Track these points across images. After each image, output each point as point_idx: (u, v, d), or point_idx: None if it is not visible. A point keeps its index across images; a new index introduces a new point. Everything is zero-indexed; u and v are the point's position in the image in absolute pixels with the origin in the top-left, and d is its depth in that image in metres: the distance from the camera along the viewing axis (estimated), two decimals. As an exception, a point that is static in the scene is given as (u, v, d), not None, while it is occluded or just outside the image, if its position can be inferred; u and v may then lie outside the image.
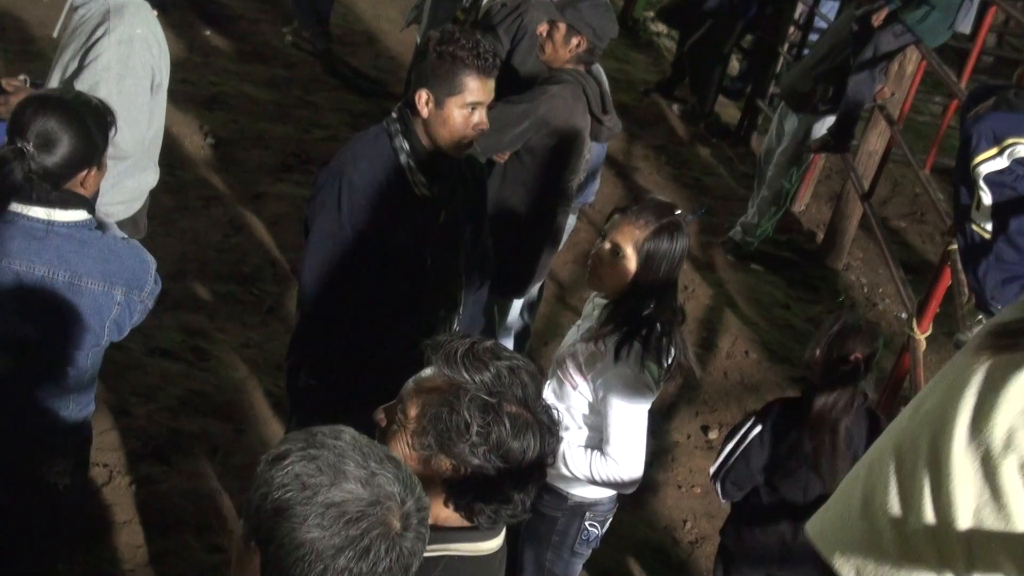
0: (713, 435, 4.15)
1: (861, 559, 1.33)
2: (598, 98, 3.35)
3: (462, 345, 1.53)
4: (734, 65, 7.37)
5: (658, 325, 2.33)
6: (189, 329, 3.91)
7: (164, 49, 3.04)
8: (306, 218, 2.45)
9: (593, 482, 2.38)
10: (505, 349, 1.59)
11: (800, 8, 6.58)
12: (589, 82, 3.33)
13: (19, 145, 1.99)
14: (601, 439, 2.38)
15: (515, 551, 2.49)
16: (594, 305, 2.48)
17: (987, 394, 1.21)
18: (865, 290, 5.52)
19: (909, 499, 1.28)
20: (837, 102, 5.02)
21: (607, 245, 2.35)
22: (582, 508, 2.48)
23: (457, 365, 1.51)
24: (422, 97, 2.37)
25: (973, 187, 3.16)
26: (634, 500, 3.27)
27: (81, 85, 2.79)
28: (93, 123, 2.12)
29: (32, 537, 2.29)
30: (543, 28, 3.29)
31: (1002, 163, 3.10)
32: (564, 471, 2.38)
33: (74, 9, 2.97)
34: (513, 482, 1.51)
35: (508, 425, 1.48)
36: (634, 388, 2.32)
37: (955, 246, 3.49)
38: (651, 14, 8.08)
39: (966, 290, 3.51)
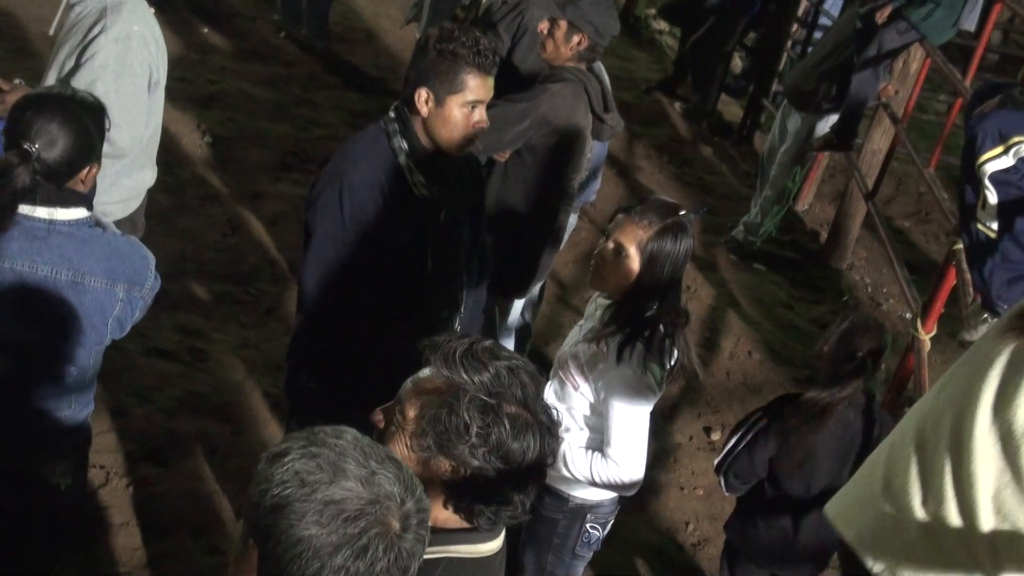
0: (716, 436, 4.14)
1: (881, 538, 1.34)
2: (600, 96, 3.34)
3: (460, 345, 1.52)
4: (737, 63, 7.35)
5: (661, 326, 2.32)
6: (186, 329, 3.90)
7: (161, 46, 3.04)
8: (306, 221, 2.44)
9: (593, 484, 2.37)
10: (504, 349, 1.58)
11: (804, 5, 6.54)
12: (590, 80, 3.32)
13: (25, 147, 1.99)
14: (602, 441, 2.37)
15: (515, 553, 2.49)
16: (597, 305, 2.47)
17: (1011, 376, 1.22)
18: (869, 290, 5.50)
19: (930, 479, 1.29)
20: (840, 100, 5.00)
21: (610, 245, 2.34)
22: (583, 510, 2.47)
23: (456, 365, 1.50)
24: (421, 96, 2.36)
25: (978, 186, 3.15)
26: (636, 502, 3.26)
27: (78, 83, 2.79)
28: (90, 120, 2.12)
29: (32, 537, 2.29)
30: (544, 25, 3.28)
31: (1008, 162, 3.11)
32: (564, 472, 2.37)
33: (70, 7, 2.96)
34: (513, 483, 1.50)
35: (508, 426, 1.48)
36: (636, 390, 2.31)
37: (960, 245, 3.49)
38: (653, 11, 8.06)
39: (971, 290, 3.49)
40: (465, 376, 1.49)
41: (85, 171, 2.11)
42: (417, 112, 2.38)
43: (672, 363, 2.35)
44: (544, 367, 2.44)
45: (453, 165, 2.51)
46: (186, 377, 3.67)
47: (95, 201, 2.24)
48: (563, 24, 3.23)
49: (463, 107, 2.35)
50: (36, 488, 2.23)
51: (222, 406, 3.60)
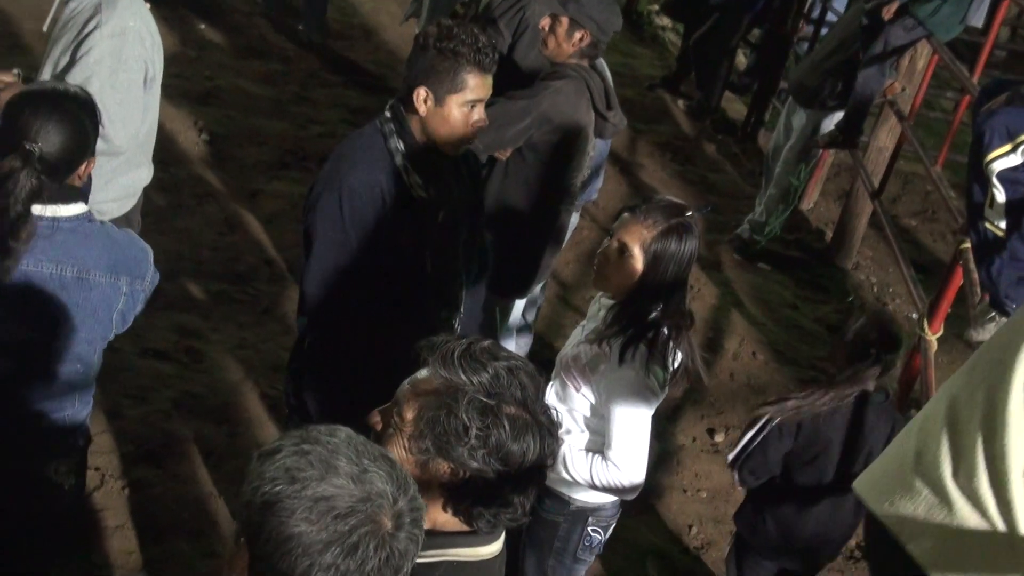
0: (719, 438, 4.11)
1: (911, 511, 1.35)
2: (602, 93, 3.32)
3: (459, 346, 1.52)
4: (741, 59, 7.31)
5: (665, 328, 2.30)
6: (183, 329, 3.88)
7: (157, 42, 3.03)
8: (305, 226, 2.43)
9: (593, 487, 2.36)
10: (503, 349, 1.57)
11: (810, 1, 6.50)
12: (593, 77, 3.30)
13: (27, 147, 1.99)
14: (603, 443, 2.35)
15: (516, 557, 2.47)
16: (600, 306, 2.46)
17: None
18: (875, 290, 5.47)
19: (961, 452, 1.30)
20: (846, 97, 4.98)
21: (614, 244, 2.33)
22: (584, 513, 2.46)
23: (454, 366, 1.49)
24: (420, 95, 2.34)
25: (986, 184, 3.14)
26: (638, 505, 3.23)
27: (73, 79, 2.78)
28: (84, 115, 2.12)
29: (32, 538, 2.29)
30: (545, 22, 3.27)
31: (1016, 160, 3.12)
32: (564, 475, 2.36)
33: (65, 2, 2.96)
34: (513, 485, 1.49)
35: (507, 427, 1.47)
36: (638, 392, 2.29)
37: (967, 244, 3.48)
38: (656, 7, 8.04)
39: (979, 289, 3.48)
40: (464, 377, 1.48)
41: (83, 167, 2.12)
42: (414, 111, 2.37)
43: (675, 366, 2.33)
44: (545, 368, 2.42)
45: (450, 164, 2.50)
46: (182, 378, 3.66)
47: (90, 200, 2.23)
48: (565, 20, 3.21)
49: (463, 106, 2.35)
50: (39, 488, 2.23)
51: (219, 407, 3.59)
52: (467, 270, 2.65)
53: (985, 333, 3.46)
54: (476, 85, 2.34)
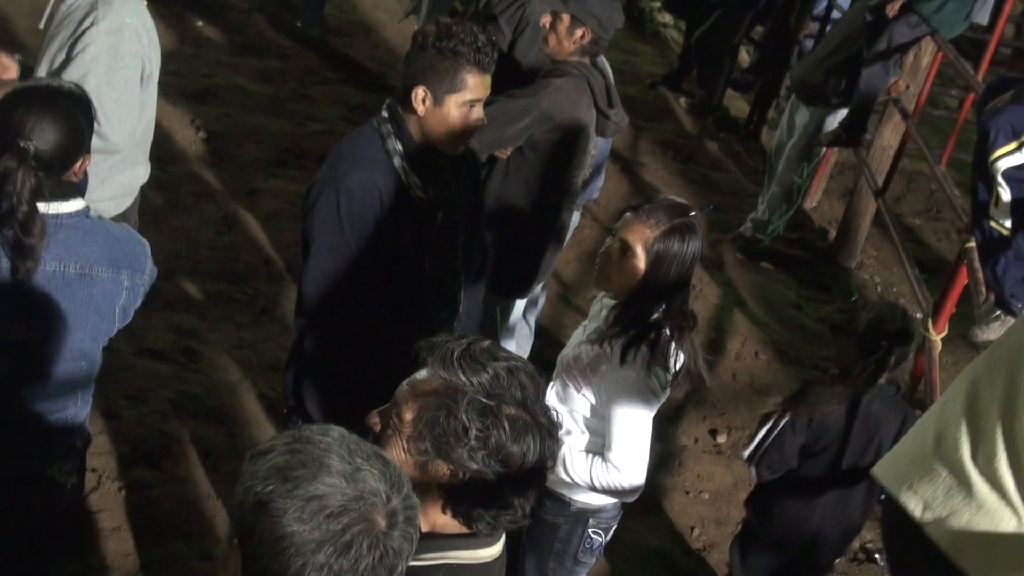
0: (722, 439, 4.09)
1: (930, 493, 1.36)
2: (603, 91, 3.30)
3: (458, 346, 1.51)
4: (743, 57, 7.28)
5: (667, 329, 2.29)
6: (180, 329, 3.87)
7: (154, 39, 3.02)
8: (303, 229, 2.42)
9: (593, 489, 2.35)
10: (503, 349, 1.56)
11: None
12: (594, 75, 3.28)
13: (21, 145, 1.99)
14: (603, 445, 2.35)
15: (516, 559, 2.46)
16: (602, 306, 2.45)
17: None
18: (879, 289, 5.46)
19: (981, 434, 1.30)
20: (849, 95, 4.95)
21: (616, 243, 2.33)
22: (585, 515, 2.45)
23: (454, 367, 1.48)
24: (418, 94, 2.33)
25: (991, 183, 3.14)
26: (640, 506, 3.21)
27: (69, 77, 2.78)
28: (79, 111, 2.12)
29: (34, 537, 2.29)
30: (546, 19, 3.25)
31: (1021, 158, 3.15)
32: (564, 476, 2.35)
33: (61, -1, 2.95)
34: (513, 487, 1.48)
35: (507, 428, 1.46)
36: (639, 393, 2.28)
37: (972, 244, 3.47)
38: (658, 4, 8.02)
39: (983, 289, 3.47)
40: (463, 377, 1.47)
41: (78, 163, 2.12)
42: (412, 111, 2.36)
43: (677, 367, 2.32)
44: (546, 368, 2.41)
45: (450, 164, 2.48)
46: (180, 378, 3.64)
47: (87, 198, 2.22)
48: (566, 18, 3.19)
49: (462, 106, 2.34)
50: (41, 489, 2.23)
51: (216, 408, 3.57)
52: (466, 270, 2.64)
53: (990, 333, 3.45)
54: (475, 84, 2.33)
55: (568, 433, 2.36)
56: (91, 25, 2.82)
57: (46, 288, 2.06)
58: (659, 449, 3.74)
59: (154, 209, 4.24)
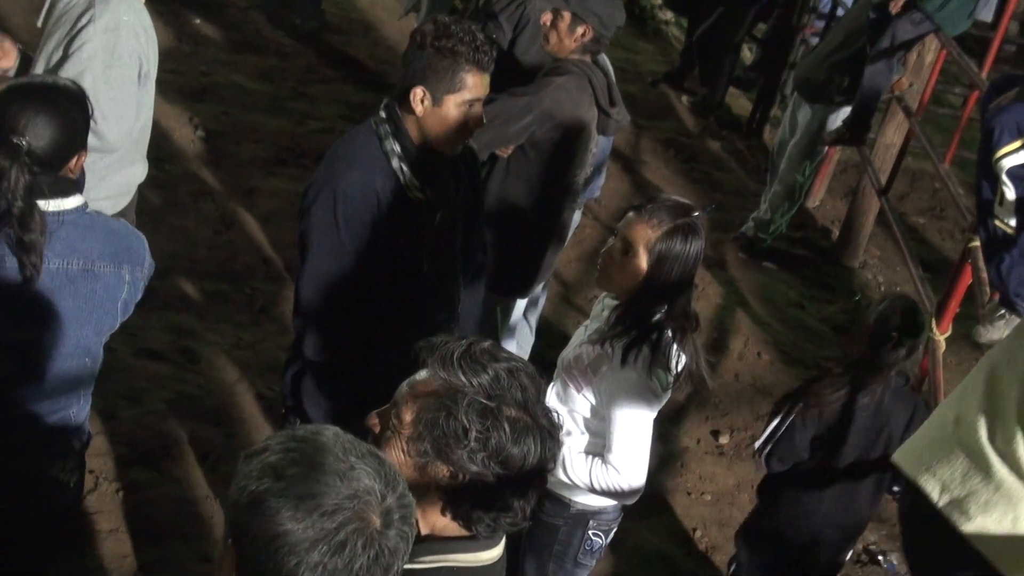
0: (724, 440, 4.07)
1: (948, 475, 1.38)
2: (605, 90, 3.29)
3: (458, 347, 1.50)
4: (746, 54, 7.26)
5: (669, 330, 2.29)
6: (178, 329, 3.86)
7: (152, 37, 3.01)
8: (300, 231, 2.41)
9: (592, 490, 2.34)
10: (503, 350, 1.55)
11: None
12: (595, 73, 3.26)
13: (15, 142, 1.99)
14: (603, 446, 2.34)
15: (516, 561, 2.45)
16: (604, 306, 2.44)
17: None
18: (882, 289, 5.46)
19: (1000, 415, 1.31)
20: (853, 93, 4.94)
21: (618, 243, 2.32)
22: (585, 516, 2.44)
23: (454, 367, 1.48)
24: (417, 94, 2.31)
25: (996, 181, 3.13)
26: (641, 508, 3.20)
27: (66, 74, 2.76)
28: (74, 108, 2.12)
29: (34, 537, 2.28)
30: (547, 17, 3.24)
31: None
32: (563, 478, 2.34)
33: (59, -3, 2.95)
34: (513, 489, 1.48)
35: (508, 430, 1.45)
36: (640, 395, 2.27)
37: (976, 243, 3.47)
38: (659, 1, 8.00)
39: (988, 288, 3.46)
40: (463, 378, 1.46)
41: (75, 160, 2.11)
42: (410, 111, 2.34)
43: (679, 369, 2.31)
44: (547, 369, 2.40)
45: (449, 163, 2.47)
46: (178, 379, 3.63)
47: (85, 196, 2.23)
48: (567, 15, 3.18)
49: (461, 106, 2.32)
50: (42, 488, 2.22)
51: (215, 408, 3.56)
52: (465, 271, 2.63)
53: (995, 332, 3.44)
54: (474, 84, 2.32)
55: (568, 434, 2.36)
56: (88, 22, 2.82)
57: (51, 286, 2.06)
58: (661, 450, 3.73)
59: (152, 208, 4.23)
